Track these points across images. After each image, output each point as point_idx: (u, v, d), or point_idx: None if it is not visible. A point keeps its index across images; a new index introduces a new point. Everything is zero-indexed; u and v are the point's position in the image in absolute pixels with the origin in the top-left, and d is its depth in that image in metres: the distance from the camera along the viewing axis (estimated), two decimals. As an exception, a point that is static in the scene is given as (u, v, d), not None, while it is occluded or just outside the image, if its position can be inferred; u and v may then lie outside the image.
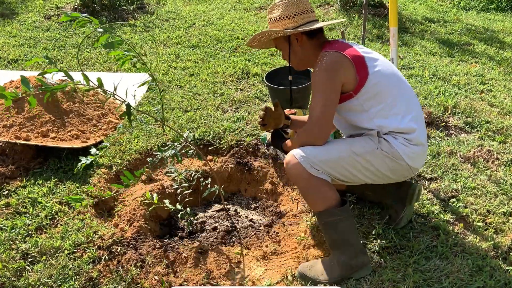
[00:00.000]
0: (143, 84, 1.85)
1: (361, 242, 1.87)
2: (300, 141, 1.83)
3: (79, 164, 1.84)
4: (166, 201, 2.09)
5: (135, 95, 2.03)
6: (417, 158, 1.78)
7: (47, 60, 1.58)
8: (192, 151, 2.02)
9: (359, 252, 1.79)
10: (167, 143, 2.04)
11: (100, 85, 1.66)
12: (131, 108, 1.71)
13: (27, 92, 1.50)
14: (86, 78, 1.63)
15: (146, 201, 2.19)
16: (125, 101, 1.74)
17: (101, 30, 1.61)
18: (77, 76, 1.77)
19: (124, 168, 2.54)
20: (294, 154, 1.76)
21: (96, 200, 2.17)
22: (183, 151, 1.99)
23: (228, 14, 5.23)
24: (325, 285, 1.77)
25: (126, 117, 1.70)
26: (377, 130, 1.74)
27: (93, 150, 1.89)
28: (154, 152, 2.63)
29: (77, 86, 2.64)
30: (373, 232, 2.01)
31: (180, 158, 1.90)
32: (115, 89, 1.74)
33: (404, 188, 1.98)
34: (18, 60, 3.98)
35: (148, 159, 2.01)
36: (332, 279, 1.78)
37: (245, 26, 4.75)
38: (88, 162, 1.82)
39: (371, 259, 1.89)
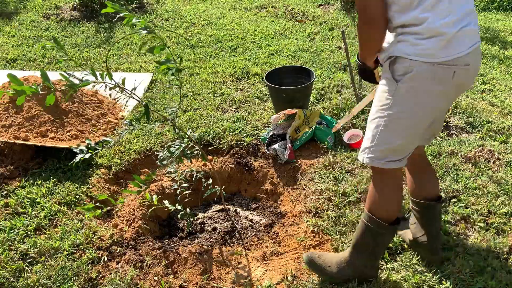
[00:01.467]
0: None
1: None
2: (360, 37, 1.53)
3: (77, 157, 1.77)
4: (166, 202, 2.07)
5: (134, 93, 2.05)
6: (441, 51, 1.38)
7: (55, 46, 1.54)
8: (196, 151, 2.00)
9: (376, 265, 1.78)
10: (169, 143, 2.02)
11: (123, 84, 1.64)
12: (149, 109, 1.69)
13: (48, 87, 1.46)
14: (109, 74, 1.59)
15: (146, 202, 2.18)
16: (143, 101, 1.72)
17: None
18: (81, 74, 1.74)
19: (124, 169, 2.53)
20: (359, 157, 1.63)
21: (107, 208, 2.12)
22: (188, 151, 1.97)
23: (228, 13, 5.22)
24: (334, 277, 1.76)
25: (127, 116, 1.68)
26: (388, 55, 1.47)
27: (91, 143, 1.82)
28: (155, 152, 2.61)
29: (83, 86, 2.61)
30: (374, 233, 2.00)
31: (188, 158, 1.87)
32: (134, 89, 1.72)
33: (433, 249, 1.86)
34: (16, 60, 3.97)
35: (158, 162, 1.96)
36: (339, 275, 1.77)
37: (245, 26, 4.73)
38: (86, 156, 1.74)
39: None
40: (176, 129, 1.87)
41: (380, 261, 1.83)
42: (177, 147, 1.84)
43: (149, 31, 1.59)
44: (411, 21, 1.39)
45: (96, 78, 1.57)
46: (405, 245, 1.94)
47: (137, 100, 1.73)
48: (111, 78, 1.61)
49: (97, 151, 1.74)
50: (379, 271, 1.82)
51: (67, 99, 1.76)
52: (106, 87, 1.62)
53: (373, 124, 1.55)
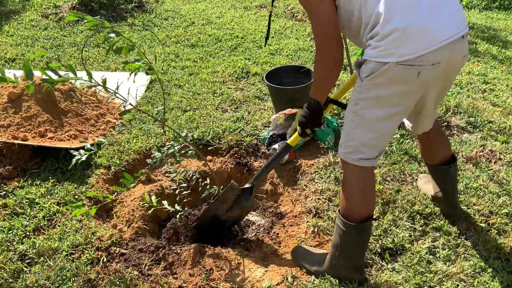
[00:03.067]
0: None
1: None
2: (317, 71, 1.55)
3: (74, 159, 1.77)
4: (165, 202, 2.06)
5: (136, 95, 2.01)
6: (399, 49, 1.35)
7: (50, 55, 1.56)
8: (191, 151, 1.99)
9: (354, 269, 1.74)
10: (167, 144, 2.01)
11: (104, 84, 1.64)
12: (133, 107, 1.69)
13: (28, 80, 1.47)
14: (89, 74, 1.60)
15: (145, 204, 2.17)
16: (127, 100, 1.71)
17: (112, 35, 1.58)
18: (79, 74, 1.74)
19: (123, 169, 2.51)
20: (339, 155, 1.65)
21: (97, 205, 2.11)
22: (182, 151, 1.96)
23: (227, 12, 5.20)
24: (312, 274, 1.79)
25: (125, 116, 1.68)
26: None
27: (87, 145, 1.84)
28: (152, 152, 2.60)
29: (77, 84, 2.61)
30: (375, 233, 1.99)
31: (178, 159, 1.88)
32: (117, 88, 1.72)
33: (451, 203, 2.06)
34: (15, 59, 3.95)
35: (148, 160, 1.97)
36: (315, 272, 1.80)
37: (245, 25, 4.72)
38: (83, 158, 1.75)
39: (373, 260, 1.87)
40: (166, 128, 1.87)
41: (364, 262, 1.79)
42: (168, 147, 1.85)
43: (117, 34, 1.60)
44: (371, 25, 1.41)
45: (75, 75, 1.57)
46: (406, 245, 1.93)
47: (122, 99, 1.72)
48: (90, 79, 1.61)
49: (92, 151, 1.75)
50: (381, 272, 1.81)
51: (44, 89, 1.75)
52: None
53: (347, 118, 1.60)
